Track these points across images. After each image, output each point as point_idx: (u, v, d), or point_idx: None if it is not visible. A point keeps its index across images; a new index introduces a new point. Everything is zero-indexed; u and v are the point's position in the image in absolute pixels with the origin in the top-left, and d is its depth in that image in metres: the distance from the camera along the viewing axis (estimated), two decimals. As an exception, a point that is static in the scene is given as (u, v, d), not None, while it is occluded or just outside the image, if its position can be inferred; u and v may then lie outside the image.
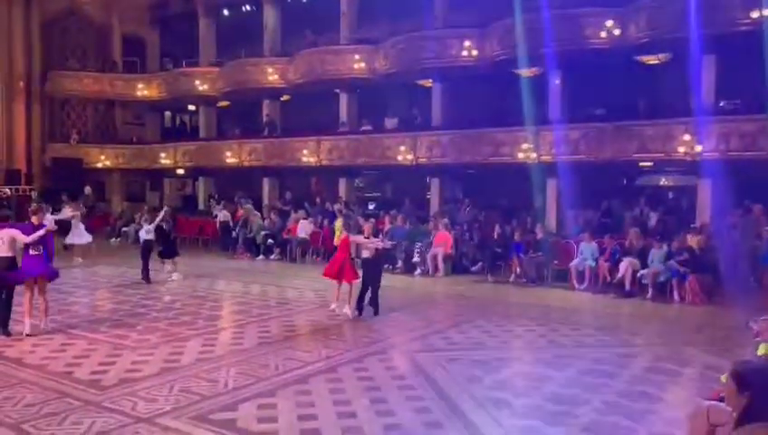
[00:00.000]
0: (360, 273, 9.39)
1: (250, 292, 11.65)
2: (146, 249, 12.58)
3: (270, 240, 16.75)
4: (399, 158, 17.63)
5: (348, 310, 9.13)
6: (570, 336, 8.40)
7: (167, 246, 12.91)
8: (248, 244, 17.06)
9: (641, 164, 15.27)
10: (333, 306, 9.41)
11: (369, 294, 9.30)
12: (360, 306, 9.21)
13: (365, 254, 9.35)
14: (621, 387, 6.28)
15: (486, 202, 17.20)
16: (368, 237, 9.41)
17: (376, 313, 9.24)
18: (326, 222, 16.77)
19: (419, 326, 8.85)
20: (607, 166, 15.00)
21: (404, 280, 13.05)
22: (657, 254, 11.64)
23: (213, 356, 7.10)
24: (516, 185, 16.31)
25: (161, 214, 13.24)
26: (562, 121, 15.30)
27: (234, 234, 17.72)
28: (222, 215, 18.54)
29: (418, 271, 14.14)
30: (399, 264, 14.30)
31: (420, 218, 16.33)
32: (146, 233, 12.71)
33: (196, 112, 25.76)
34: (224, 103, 23.82)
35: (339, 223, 16.14)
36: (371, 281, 9.24)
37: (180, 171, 24.43)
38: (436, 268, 13.94)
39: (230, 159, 21.51)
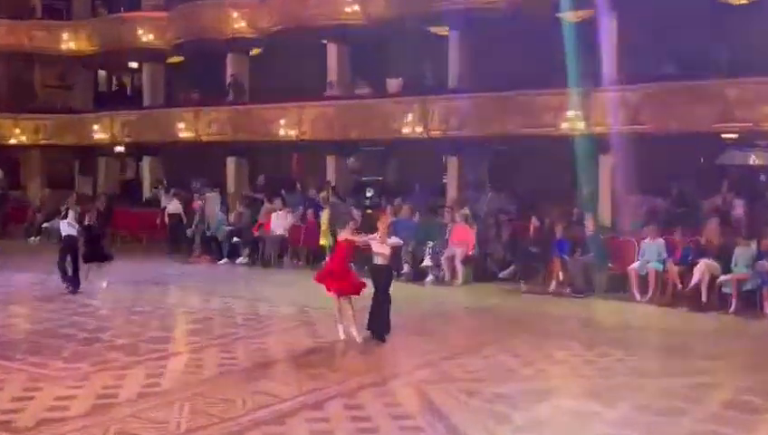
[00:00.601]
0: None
1: (209, 306, 11.67)
2: (69, 248, 12.61)
3: (236, 238, 16.79)
4: (406, 130, 17.62)
5: (354, 331, 9.10)
6: (626, 362, 8.41)
7: (91, 246, 12.89)
8: (207, 243, 17.11)
9: (723, 136, 15.20)
10: (341, 332, 9.16)
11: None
12: (378, 326, 9.15)
13: (379, 258, 9.23)
14: (693, 428, 6.30)
15: (519, 187, 17.20)
16: (381, 236, 9.24)
17: (383, 336, 9.17)
18: (310, 214, 16.81)
19: (430, 350, 8.86)
20: (678, 139, 14.97)
21: (411, 290, 13.08)
22: (742, 254, 11.64)
23: (161, 390, 7.14)
24: (558, 164, 16.28)
25: (95, 207, 13.31)
26: (619, 81, 15.26)
27: (188, 231, 17.78)
28: (173, 206, 18.62)
29: (430, 277, 14.18)
30: (406, 269, 14.34)
31: (433, 209, 16.35)
32: (68, 226, 12.74)
33: (138, 71, 25.75)
34: (175, 59, 23.81)
35: (325, 215, 16.18)
36: (385, 294, 9.19)
37: (119, 149, 24.45)
38: (453, 274, 13.98)
39: (184, 132, 21.53)
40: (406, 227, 14.75)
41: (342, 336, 9.12)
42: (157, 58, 23.75)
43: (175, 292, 13.02)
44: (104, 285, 12.82)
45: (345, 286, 9.07)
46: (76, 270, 12.60)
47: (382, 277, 9.22)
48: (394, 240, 9.49)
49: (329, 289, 9.24)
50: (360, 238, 9.42)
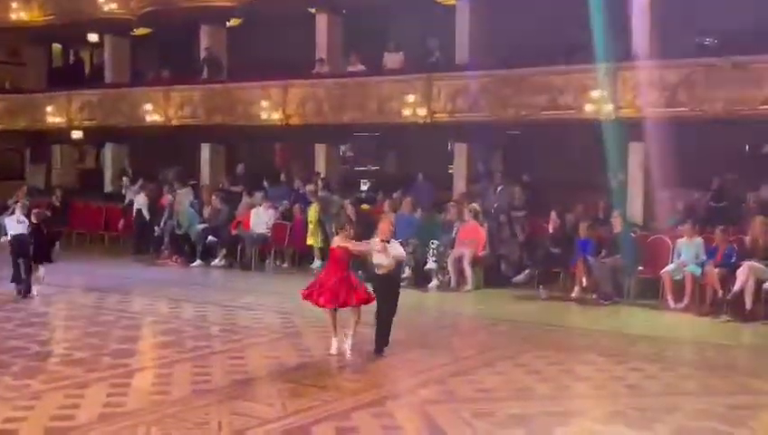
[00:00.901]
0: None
1: (181, 315, 11.65)
2: (19, 247, 12.55)
3: (210, 237, 16.75)
4: (407, 113, 17.60)
5: (348, 345, 9.03)
6: (660, 379, 8.41)
7: (38, 245, 12.81)
8: (178, 243, 17.09)
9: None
10: (335, 347, 9.11)
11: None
12: (384, 342, 9.10)
13: (381, 268, 9.10)
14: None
15: (537, 179, 17.19)
16: (386, 241, 9.07)
17: (381, 349, 9.12)
18: (296, 210, 16.78)
19: (435, 365, 8.85)
20: (720, 123, 14.97)
21: (413, 296, 13.03)
22: (793, 256, 11.65)
23: (124, 411, 7.10)
24: (582, 153, 16.29)
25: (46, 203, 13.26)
26: (653, 57, 15.23)
27: (156, 229, 17.76)
28: (140, 200, 18.60)
29: (435, 282, 14.16)
30: (407, 272, 14.29)
31: (438, 204, 16.34)
32: (17, 224, 12.70)
33: (99, 45, 25.67)
34: (141, 31, 23.73)
35: (313, 211, 16.16)
36: (390, 306, 9.13)
37: (77, 134, 24.35)
38: (460, 278, 13.96)
39: (152, 115, 21.48)
40: (406, 225, 14.70)
41: (334, 352, 9.07)
42: (120, 30, 23.63)
43: (141, 298, 12.99)
44: (37, 291, 12.68)
45: (342, 297, 8.92)
46: (28, 272, 12.54)
47: (386, 289, 9.11)
48: (399, 251, 9.28)
49: (317, 304, 9.11)
50: (356, 246, 9.22)
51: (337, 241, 9.27)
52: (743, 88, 14.34)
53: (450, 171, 18.92)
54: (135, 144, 23.49)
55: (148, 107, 21.49)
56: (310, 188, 17.27)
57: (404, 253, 9.66)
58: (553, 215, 14.29)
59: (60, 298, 12.71)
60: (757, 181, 15.04)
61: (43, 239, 12.85)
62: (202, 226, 17.04)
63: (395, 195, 16.58)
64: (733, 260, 12.00)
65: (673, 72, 15.02)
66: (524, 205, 15.95)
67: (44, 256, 12.88)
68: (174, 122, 21.45)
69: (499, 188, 16.55)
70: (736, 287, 11.59)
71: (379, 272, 9.15)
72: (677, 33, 15.74)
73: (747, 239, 12.30)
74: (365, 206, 17.39)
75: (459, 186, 17.83)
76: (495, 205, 15.81)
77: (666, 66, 15.09)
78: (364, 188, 21.68)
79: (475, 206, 14.81)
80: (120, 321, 11.09)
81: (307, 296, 9.19)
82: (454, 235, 14.44)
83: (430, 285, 14.12)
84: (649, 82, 15.02)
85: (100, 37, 25.09)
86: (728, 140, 16.33)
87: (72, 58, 27.96)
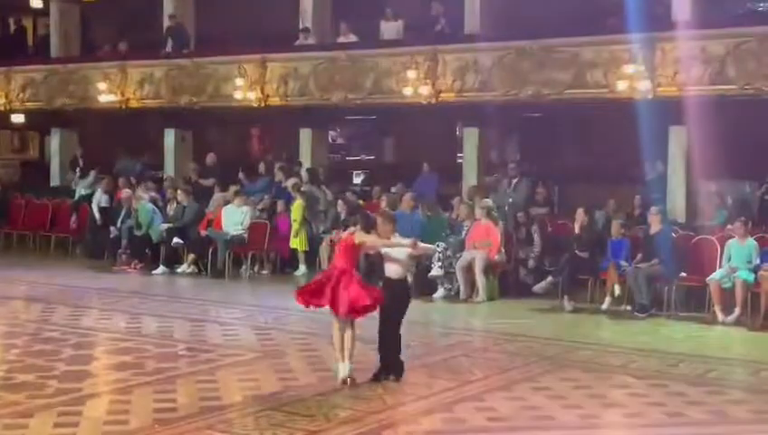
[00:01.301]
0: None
1: (141, 331, 11.65)
2: None
3: (176, 239, 16.80)
4: (407, 92, 17.67)
5: (343, 367, 8.84)
6: (706, 405, 8.42)
7: None
8: (138, 246, 17.14)
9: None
10: (344, 372, 8.85)
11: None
12: (391, 360, 9.03)
13: (394, 272, 9.09)
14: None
15: (561, 169, 17.27)
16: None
17: (400, 373, 9.04)
18: (279, 206, 16.84)
19: (441, 389, 8.87)
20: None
21: (416, 308, 12.94)
22: None
23: (75, 443, 7.14)
24: (614, 138, 16.37)
25: None
26: (696, 26, 15.31)
27: (113, 229, 17.80)
28: (97, 196, 18.72)
29: (441, 292, 14.23)
30: (409, 280, 14.37)
31: (445, 199, 16.42)
32: None
33: (44, 12, 25.66)
34: (93, -5, 23.78)
35: (298, 208, 16.21)
36: (398, 317, 9.12)
37: (17, 118, 24.38)
38: (471, 287, 14.02)
39: (106, 95, 21.51)
40: (408, 225, 14.75)
41: (343, 377, 8.81)
42: (68, -6, 23.71)
43: (94, 311, 12.95)
44: None
45: (354, 302, 8.71)
46: None
47: (400, 298, 9.10)
48: (425, 245, 9.34)
49: (321, 305, 8.88)
50: (383, 242, 9.08)
51: (353, 234, 9.01)
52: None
53: (459, 161, 19.00)
54: (86, 130, 23.52)
55: (102, 86, 21.50)
56: (292, 182, 17.28)
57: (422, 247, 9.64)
58: (580, 212, 14.30)
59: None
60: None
61: None
62: (165, 226, 17.09)
63: (393, 189, 16.65)
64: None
65: (718, 44, 15.10)
66: (546, 201, 16.03)
67: None
68: (132, 104, 21.49)
69: (514, 181, 16.62)
70: (795, 297, 11.69)
71: (392, 275, 9.11)
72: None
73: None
74: (359, 201, 17.48)
75: (470, 178, 17.90)
76: (510, 201, 15.89)
77: (710, 36, 15.18)
78: (357, 180, 21.76)
79: (488, 202, 14.85)
80: (70, 338, 11.04)
81: (308, 298, 8.96)
82: (463, 236, 14.51)
83: (435, 295, 14.16)
84: (692, 55, 15.11)
85: (45, 3, 25.07)
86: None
87: (11, 28, 27.89)
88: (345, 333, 8.83)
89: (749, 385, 9.40)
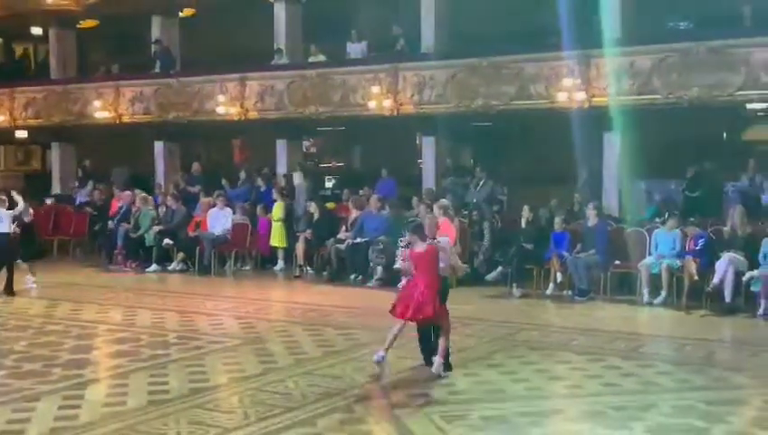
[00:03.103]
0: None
1: (136, 322, 11.64)
2: None
3: (167, 240, 16.72)
4: (372, 105, 17.68)
5: (380, 356, 8.70)
6: (637, 376, 8.53)
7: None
8: (132, 247, 17.05)
9: (749, 107, 15.47)
10: (380, 356, 8.76)
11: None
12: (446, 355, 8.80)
13: (442, 271, 8.97)
14: (714, 450, 6.45)
15: (509, 172, 17.33)
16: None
17: (449, 366, 8.79)
18: (259, 209, 16.83)
19: (404, 367, 8.93)
20: (696, 110, 15.15)
21: (382, 297, 12.98)
22: (773, 246, 11.81)
23: (77, 424, 7.10)
24: (554, 144, 16.44)
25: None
26: (626, 42, 15.42)
27: (110, 232, 17.65)
28: (97, 202, 18.55)
29: (404, 282, 14.15)
30: (379, 273, 14.42)
31: (406, 201, 16.44)
32: None
33: (44, 39, 25.42)
34: (89, 23, 23.57)
35: (278, 209, 16.23)
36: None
37: (21, 134, 24.14)
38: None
39: (101, 111, 21.37)
40: (375, 223, 14.83)
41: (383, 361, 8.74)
42: (66, 22, 23.45)
43: (93, 306, 12.89)
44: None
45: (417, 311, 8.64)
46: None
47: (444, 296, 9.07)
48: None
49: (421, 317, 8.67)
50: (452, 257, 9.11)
51: (424, 244, 8.83)
52: (719, 74, 14.50)
53: (420, 165, 18.99)
54: (84, 143, 23.34)
55: (98, 104, 21.36)
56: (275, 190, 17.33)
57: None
58: (526, 209, 14.36)
59: (6, 307, 12.64)
60: (735, 169, 15.28)
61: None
62: (157, 228, 17.01)
63: (361, 192, 16.67)
64: (710, 252, 12.15)
65: (646, 58, 15.19)
66: (500, 199, 16.07)
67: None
68: (125, 119, 21.33)
69: (481, 183, 16.65)
70: (715, 280, 11.75)
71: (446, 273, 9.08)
72: (651, 17, 15.87)
73: (725, 229, 12.48)
74: (330, 204, 17.53)
75: (429, 181, 17.93)
76: (474, 200, 15.92)
77: (639, 52, 15.26)
78: (329, 185, 21.76)
79: (445, 201, 14.85)
80: (72, 330, 11.05)
81: (412, 313, 8.67)
82: (423, 232, 14.54)
83: (400, 284, 14.14)
84: (622, 69, 15.19)
85: (45, 30, 24.82)
86: (705, 127, 16.54)
87: (17, 53, 27.65)
88: (400, 332, 8.81)
89: (674, 358, 9.54)
